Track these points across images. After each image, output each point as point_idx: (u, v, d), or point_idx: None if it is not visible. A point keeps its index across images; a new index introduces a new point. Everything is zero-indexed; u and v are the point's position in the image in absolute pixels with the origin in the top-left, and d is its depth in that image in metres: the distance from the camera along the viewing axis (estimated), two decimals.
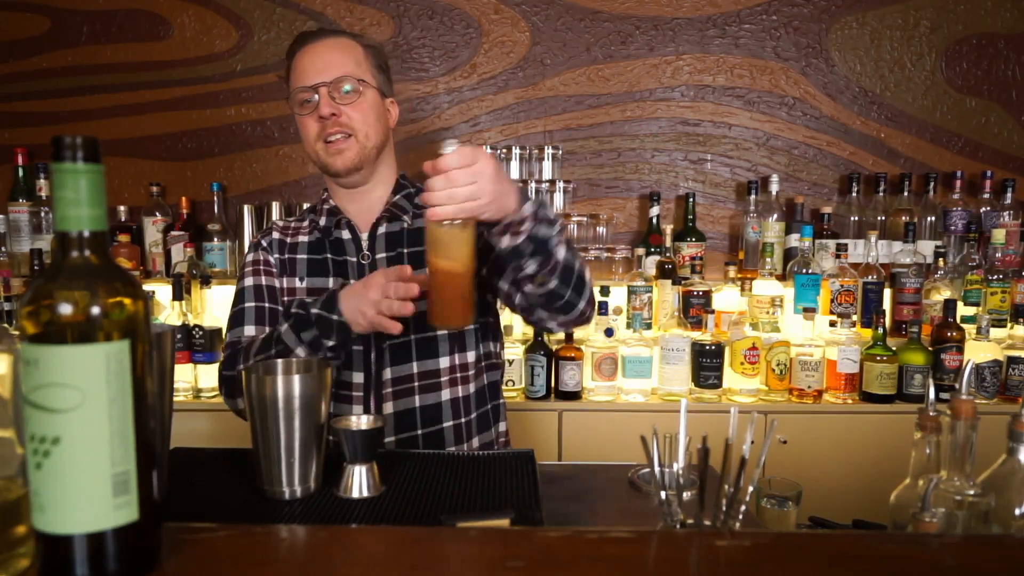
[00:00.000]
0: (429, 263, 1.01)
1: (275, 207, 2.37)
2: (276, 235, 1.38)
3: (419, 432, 1.28)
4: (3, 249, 2.31)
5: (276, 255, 1.36)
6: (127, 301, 0.55)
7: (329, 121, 1.24)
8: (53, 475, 0.52)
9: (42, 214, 2.35)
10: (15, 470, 0.60)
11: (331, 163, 1.27)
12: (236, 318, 1.31)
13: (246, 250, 1.54)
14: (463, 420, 1.31)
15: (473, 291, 1.02)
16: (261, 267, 1.35)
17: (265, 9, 2.44)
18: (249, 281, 1.34)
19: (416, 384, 1.28)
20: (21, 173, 2.38)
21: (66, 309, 0.53)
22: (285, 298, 1.33)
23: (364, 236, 1.33)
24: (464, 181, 0.95)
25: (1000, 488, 0.75)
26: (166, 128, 2.49)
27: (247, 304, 1.32)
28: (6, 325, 2.08)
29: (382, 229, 1.33)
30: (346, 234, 1.34)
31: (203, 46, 2.46)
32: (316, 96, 1.25)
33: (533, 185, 2.38)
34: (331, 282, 1.31)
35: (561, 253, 1.08)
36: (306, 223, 1.39)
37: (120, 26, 2.45)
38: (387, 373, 1.27)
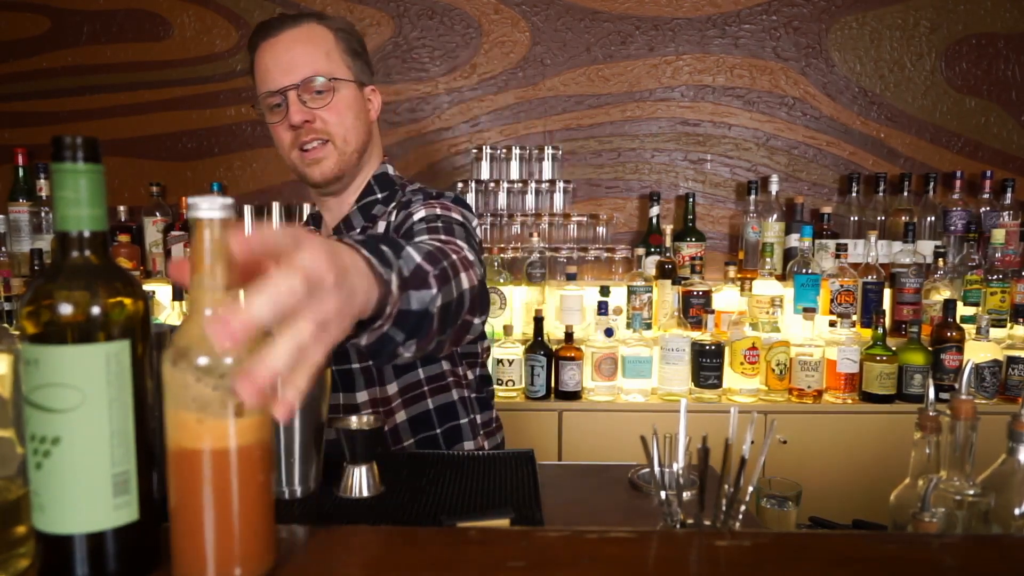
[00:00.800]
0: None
1: (275, 207, 2.37)
2: None
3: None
4: (3, 249, 2.31)
5: None
6: (127, 301, 0.56)
7: (303, 129, 1.13)
8: (53, 475, 0.52)
9: (42, 214, 2.35)
10: (15, 470, 0.60)
11: (309, 173, 1.16)
12: None
13: None
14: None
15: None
16: None
17: (265, 9, 2.44)
18: None
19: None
20: (21, 173, 2.38)
21: (66, 309, 0.53)
22: None
23: None
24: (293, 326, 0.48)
25: (1000, 488, 0.75)
26: (166, 128, 2.49)
27: None
28: (6, 325, 2.08)
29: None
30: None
31: (203, 46, 2.46)
32: (285, 101, 1.12)
33: (533, 185, 2.38)
34: None
35: (438, 306, 0.77)
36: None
37: (120, 26, 2.45)
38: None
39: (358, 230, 1.20)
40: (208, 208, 0.52)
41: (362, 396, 1.20)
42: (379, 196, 1.22)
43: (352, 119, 1.15)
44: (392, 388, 1.20)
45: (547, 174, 2.39)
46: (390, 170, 1.26)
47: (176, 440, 0.53)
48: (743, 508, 0.69)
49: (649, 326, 2.24)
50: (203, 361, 0.52)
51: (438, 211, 1.08)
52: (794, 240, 2.31)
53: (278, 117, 1.14)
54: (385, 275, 0.66)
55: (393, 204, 1.22)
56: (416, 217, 1.08)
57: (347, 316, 0.53)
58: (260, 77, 1.15)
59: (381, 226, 1.20)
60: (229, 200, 0.52)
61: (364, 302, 0.59)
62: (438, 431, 1.24)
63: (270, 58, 1.13)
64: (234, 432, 0.53)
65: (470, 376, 1.29)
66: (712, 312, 2.18)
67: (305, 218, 1.38)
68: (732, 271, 2.26)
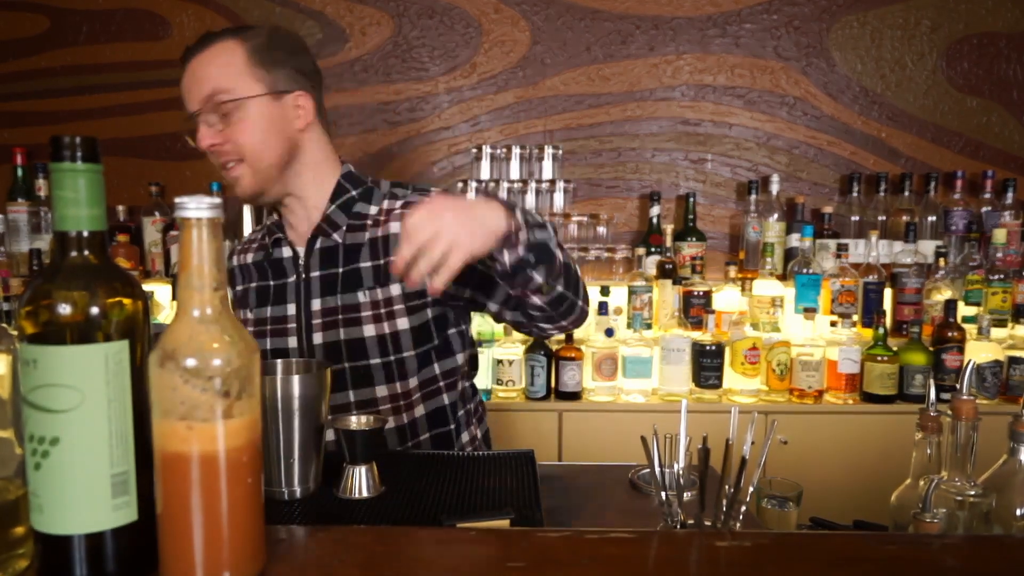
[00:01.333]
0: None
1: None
2: (234, 260, 1.32)
3: None
4: (2, 249, 2.31)
5: (238, 286, 1.30)
6: (126, 301, 0.55)
7: (215, 152, 1.13)
8: (52, 475, 0.52)
9: (41, 214, 2.35)
10: (14, 470, 0.60)
11: (235, 190, 1.17)
12: None
13: None
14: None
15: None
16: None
17: (265, 9, 2.44)
18: None
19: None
20: (20, 173, 2.38)
21: (65, 309, 0.53)
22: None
23: (302, 251, 1.21)
24: (433, 242, 0.84)
25: (1001, 488, 0.75)
26: (165, 128, 2.49)
27: None
28: (5, 325, 2.08)
29: (318, 244, 1.20)
30: (286, 251, 1.23)
31: None
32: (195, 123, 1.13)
33: (533, 185, 2.38)
34: (269, 311, 1.22)
35: (560, 254, 0.99)
36: (260, 233, 1.32)
37: (119, 26, 2.45)
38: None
39: (344, 227, 1.20)
40: (196, 207, 0.52)
41: (381, 391, 1.20)
42: (353, 193, 1.21)
43: (262, 134, 1.13)
44: (413, 382, 1.20)
45: (547, 174, 2.39)
46: (353, 169, 1.26)
47: (163, 443, 0.52)
48: (743, 508, 0.69)
49: (649, 326, 2.24)
50: (191, 363, 0.51)
51: None
52: (795, 240, 2.31)
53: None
54: (512, 210, 0.92)
55: (377, 204, 1.21)
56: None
57: (479, 234, 0.87)
58: (183, 102, 1.17)
59: (367, 232, 1.19)
60: (217, 200, 0.52)
61: (496, 226, 0.89)
62: (451, 427, 1.26)
63: (183, 84, 1.17)
64: (222, 434, 0.52)
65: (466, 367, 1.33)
66: (712, 312, 2.18)
67: (257, 229, 1.37)
68: (733, 271, 2.26)
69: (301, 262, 1.21)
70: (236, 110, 1.12)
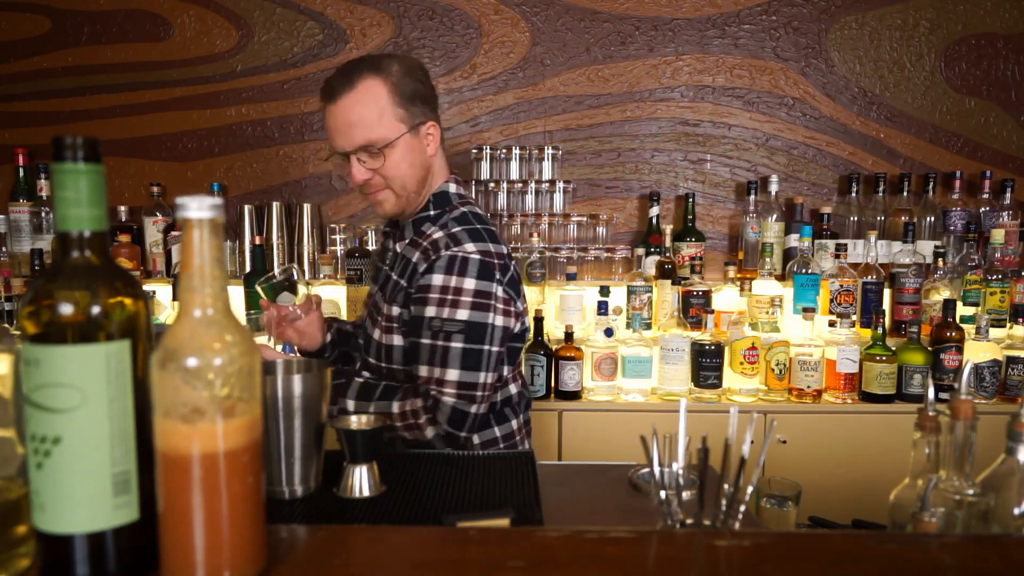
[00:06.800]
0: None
1: (275, 207, 2.37)
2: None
3: None
4: (4, 249, 2.31)
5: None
6: (127, 301, 0.56)
7: (364, 184, 1.28)
8: (54, 475, 0.53)
9: (43, 214, 2.35)
10: (15, 470, 0.60)
11: (375, 210, 1.35)
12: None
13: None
14: None
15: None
16: None
17: (265, 9, 2.44)
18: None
19: None
20: (22, 173, 2.38)
21: (67, 309, 0.53)
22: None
23: (393, 248, 1.39)
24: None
25: (999, 488, 0.75)
26: (166, 128, 2.49)
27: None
28: (7, 325, 2.08)
29: (397, 247, 1.37)
30: (390, 243, 1.41)
31: (203, 46, 2.46)
32: (344, 157, 1.27)
33: (533, 185, 2.38)
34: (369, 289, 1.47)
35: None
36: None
37: (120, 26, 2.45)
38: None
39: (407, 241, 1.32)
40: (197, 208, 0.52)
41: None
42: (431, 213, 1.32)
43: (407, 168, 1.27)
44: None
45: (547, 174, 2.39)
46: (451, 188, 1.35)
47: (165, 442, 0.52)
48: (743, 508, 0.69)
49: (649, 326, 2.24)
50: (192, 363, 0.52)
51: (445, 314, 1.19)
52: (794, 240, 2.31)
53: (346, 166, 1.29)
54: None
55: (436, 226, 1.31)
56: (428, 315, 1.20)
57: None
58: (329, 135, 1.28)
59: (410, 253, 1.31)
60: (218, 200, 0.53)
61: None
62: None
63: (331, 122, 1.25)
64: (223, 434, 0.52)
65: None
66: (712, 312, 2.18)
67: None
68: (732, 271, 2.26)
69: (389, 255, 1.38)
70: (385, 148, 1.24)
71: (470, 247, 1.22)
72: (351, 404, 1.26)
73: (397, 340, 1.27)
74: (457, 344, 1.19)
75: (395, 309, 1.27)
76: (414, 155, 1.27)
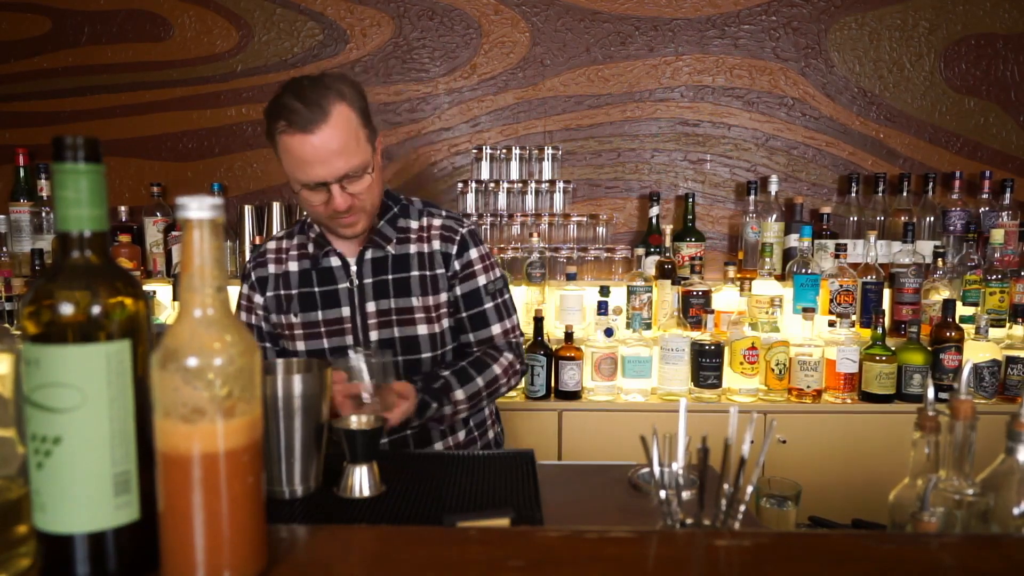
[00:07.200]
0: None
1: (275, 207, 2.37)
2: (271, 268, 1.40)
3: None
4: (4, 249, 2.31)
5: (269, 293, 1.39)
6: (128, 301, 0.56)
7: (338, 211, 1.24)
8: (54, 475, 0.53)
9: (43, 214, 2.35)
10: (16, 470, 0.60)
11: (341, 232, 1.30)
12: None
13: (243, 271, 1.48)
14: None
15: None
16: (246, 304, 1.42)
17: (265, 9, 2.44)
18: (242, 316, 1.41)
19: None
20: (22, 173, 2.38)
21: (67, 309, 0.53)
22: (285, 332, 1.38)
23: (352, 261, 1.36)
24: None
25: (999, 488, 0.75)
26: (166, 128, 2.49)
27: None
28: (7, 325, 2.08)
29: (368, 255, 1.36)
30: (335, 261, 1.37)
31: (203, 46, 2.46)
32: (324, 186, 1.22)
33: (533, 185, 2.38)
34: (320, 314, 1.36)
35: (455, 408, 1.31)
36: (295, 242, 1.41)
37: (121, 26, 2.45)
38: None
39: (393, 240, 1.36)
40: (198, 208, 0.52)
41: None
42: (396, 210, 1.39)
43: (377, 185, 1.30)
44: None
45: (547, 174, 2.39)
46: (387, 187, 1.43)
47: (165, 442, 0.52)
48: (743, 508, 0.69)
49: (649, 326, 2.24)
50: (192, 363, 0.52)
51: (492, 276, 1.41)
52: (793, 240, 2.31)
53: (317, 198, 1.24)
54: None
55: (417, 220, 1.39)
56: (481, 283, 1.39)
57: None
58: (294, 164, 1.22)
59: (413, 245, 1.37)
60: (219, 200, 0.53)
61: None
62: (487, 419, 1.51)
63: (306, 153, 1.20)
64: (224, 434, 0.52)
65: None
66: (712, 312, 2.18)
67: (280, 234, 1.47)
68: (732, 271, 2.26)
69: (353, 270, 1.35)
70: (365, 172, 1.25)
71: (465, 222, 1.42)
72: (460, 393, 1.29)
73: (446, 323, 1.38)
74: (507, 296, 1.44)
75: (441, 296, 1.36)
76: (378, 171, 1.30)
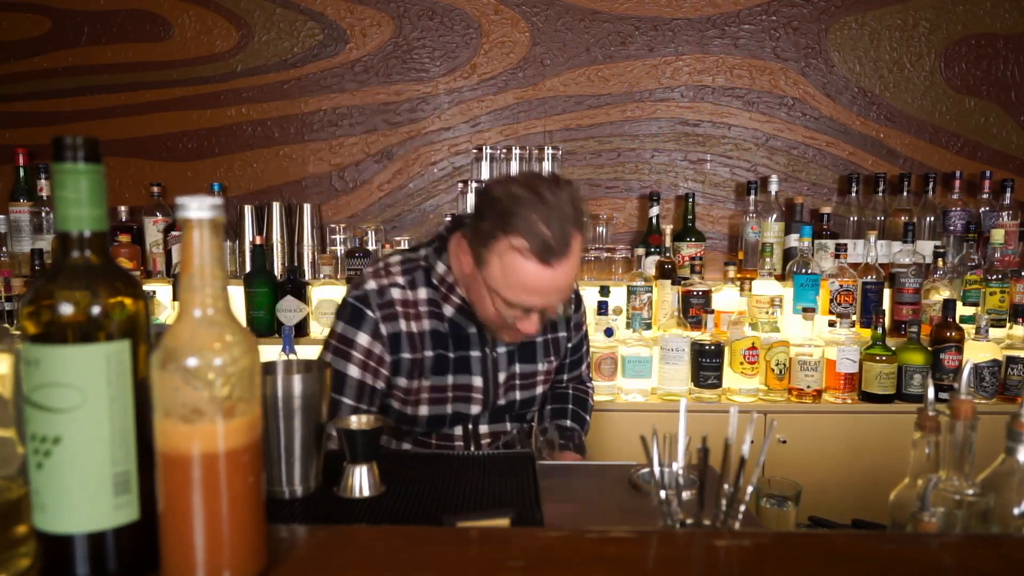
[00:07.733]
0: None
1: (275, 207, 2.37)
2: (402, 324, 1.26)
3: None
4: (4, 249, 2.31)
5: (405, 354, 1.26)
6: (127, 301, 0.56)
7: (531, 334, 1.25)
8: (54, 475, 0.53)
9: (43, 214, 2.35)
10: (16, 470, 0.60)
11: (501, 338, 1.31)
12: (331, 407, 1.10)
13: (353, 305, 1.27)
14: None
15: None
16: (362, 359, 1.24)
17: (265, 9, 2.44)
18: (355, 372, 1.24)
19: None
20: (22, 173, 2.38)
21: (67, 309, 0.53)
22: (407, 396, 1.29)
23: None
24: None
25: (999, 488, 0.75)
26: (166, 128, 2.49)
27: (346, 400, 1.24)
28: (7, 325, 2.08)
29: None
30: (473, 328, 1.31)
31: (203, 46, 2.46)
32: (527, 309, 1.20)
33: None
34: (451, 379, 1.30)
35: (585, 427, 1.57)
36: (423, 295, 1.29)
37: (120, 26, 2.45)
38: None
39: None
40: (197, 208, 0.52)
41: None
42: None
43: None
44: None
45: None
46: None
47: (165, 442, 0.52)
48: (743, 508, 0.69)
49: (649, 326, 2.24)
50: (192, 363, 0.52)
51: (587, 319, 1.62)
52: (793, 240, 2.31)
53: (510, 313, 1.20)
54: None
55: None
56: (584, 332, 1.58)
57: None
58: (515, 286, 1.16)
59: None
60: (219, 200, 0.53)
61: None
62: None
63: (542, 284, 1.16)
64: (223, 434, 0.52)
65: None
66: (712, 312, 2.18)
67: (429, 275, 1.33)
68: (732, 271, 2.26)
69: (488, 339, 1.33)
70: None
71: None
72: (584, 435, 1.56)
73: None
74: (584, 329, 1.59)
75: (561, 357, 1.48)
76: None
